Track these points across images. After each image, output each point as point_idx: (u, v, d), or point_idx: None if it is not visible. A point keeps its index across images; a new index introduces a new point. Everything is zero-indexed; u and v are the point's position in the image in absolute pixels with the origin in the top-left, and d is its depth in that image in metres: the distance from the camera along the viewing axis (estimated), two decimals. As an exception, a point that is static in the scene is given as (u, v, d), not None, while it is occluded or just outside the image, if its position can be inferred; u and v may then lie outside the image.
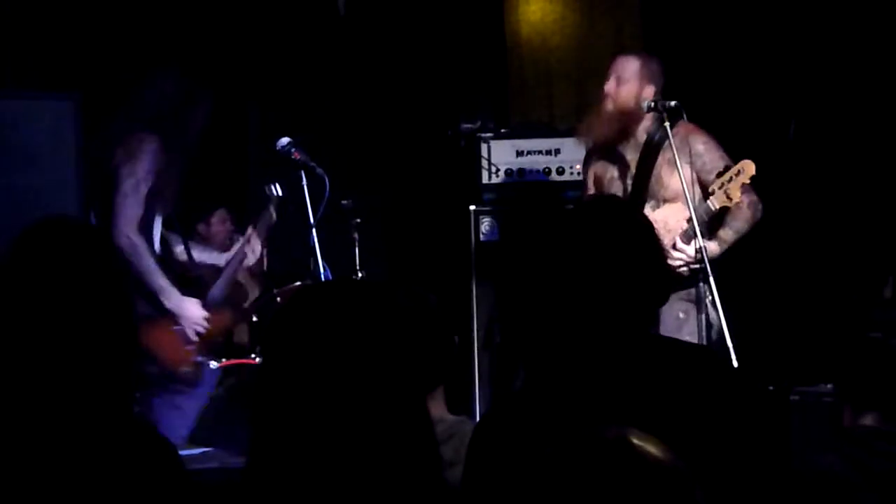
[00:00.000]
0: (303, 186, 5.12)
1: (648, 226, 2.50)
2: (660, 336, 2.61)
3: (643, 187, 5.25)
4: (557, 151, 6.46)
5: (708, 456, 2.17)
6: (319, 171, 5.12)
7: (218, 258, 5.63)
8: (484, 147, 6.54)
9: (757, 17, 6.95)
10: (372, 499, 1.88)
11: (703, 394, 2.35)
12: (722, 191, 4.99)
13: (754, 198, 5.17)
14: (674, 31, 7.09)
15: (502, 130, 6.69)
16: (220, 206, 7.17)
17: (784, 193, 6.66)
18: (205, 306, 5.28)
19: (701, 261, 4.88)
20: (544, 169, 6.44)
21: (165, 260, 5.30)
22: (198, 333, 5.23)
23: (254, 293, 6.76)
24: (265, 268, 5.74)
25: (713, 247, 5.07)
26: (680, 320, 5.07)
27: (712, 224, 5.14)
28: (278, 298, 5.62)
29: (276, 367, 1.95)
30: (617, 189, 5.32)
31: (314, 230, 5.05)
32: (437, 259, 6.85)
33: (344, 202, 5.71)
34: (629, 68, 5.33)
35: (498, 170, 6.52)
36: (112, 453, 2.17)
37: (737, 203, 5.02)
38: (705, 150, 5.18)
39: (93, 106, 5.83)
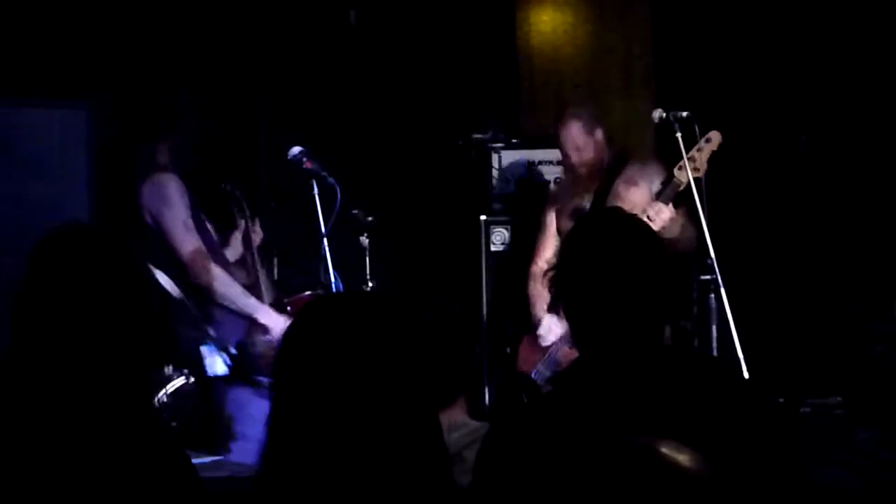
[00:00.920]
0: (314, 196, 5.11)
1: (657, 238, 2.51)
2: (671, 347, 2.61)
3: (601, 204, 5.34)
4: (568, 161, 6.45)
5: (721, 466, 2.16)
6: (331, 180, 5.12)
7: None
8: (495, 157, 6.55)
9: (768, 26, 6.94)
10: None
11: (716, 404, 2.35)
12: (691, 163, 5.04)
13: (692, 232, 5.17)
14: (684, 42, 7.09)
15: (513, 140, 6.70)
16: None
17: (794, 205, 6.66)
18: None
19: (712, 272, 4.89)
20: (555, 179, 6.44)
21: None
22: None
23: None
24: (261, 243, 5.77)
25: (670, 214, 5.10)
26: None
27: (676, 202, 5.19)
28: (289, 308, 5.62)
29: (294, 376, 1.94)
30: None
31: (325, 239, 5.05)
32: (448, 269, 6.85)
33: (354, 211, 5.71)
34: (574, 131, 5.44)
35: (509, 180, 6.52)
36: (125, 457, 2.18)
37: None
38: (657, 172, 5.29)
39: (104, 115, 5.85)
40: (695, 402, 2.34)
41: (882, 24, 6.69)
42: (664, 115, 5.16)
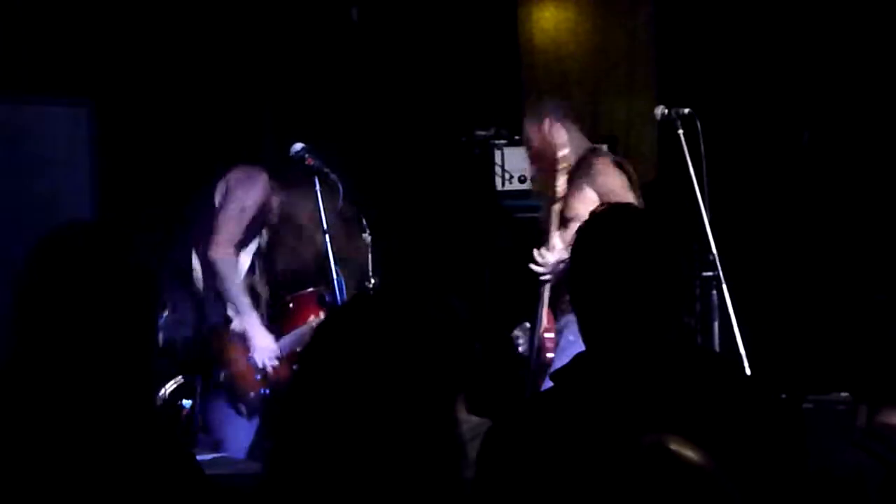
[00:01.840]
0: (316, 192, 5.12)
1: (668, 232, 2.51)
2: (675, 342, 2.61)
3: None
4: (571, 158, 6.45)
5: (725, 462, 2.17)
6: (333, 176, 5.12)
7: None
8: (498, 154, 6.55)
9: (772, 23, 6.95)
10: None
11: (719, 400, 2.35)
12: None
13: None
14: (687, 38, 7.09)
15: (516, 137, 6.69)
16: None
17: (797, 200, 6.67)
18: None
19: (714, 268, 4.89)
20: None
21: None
22: (265, 368, 5.41)
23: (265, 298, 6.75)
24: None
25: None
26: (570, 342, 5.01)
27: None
28: (290, 304, 5.63)
29: (310, 378, 1.95)
30: None
31: (327, 236, 5.05)
32: (451, 265, 6.85)
33: (357, 208, 5.72)
34: (526, 129, 5.37)
35: (512, 176, 6.52)
36: (128, 455, 2.18)
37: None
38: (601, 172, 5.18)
39: (107, 112, 5.87)
40: (698, 398, 2.34)
41: (883, 20, 6.70)
42: (666, 111, 5.15)
